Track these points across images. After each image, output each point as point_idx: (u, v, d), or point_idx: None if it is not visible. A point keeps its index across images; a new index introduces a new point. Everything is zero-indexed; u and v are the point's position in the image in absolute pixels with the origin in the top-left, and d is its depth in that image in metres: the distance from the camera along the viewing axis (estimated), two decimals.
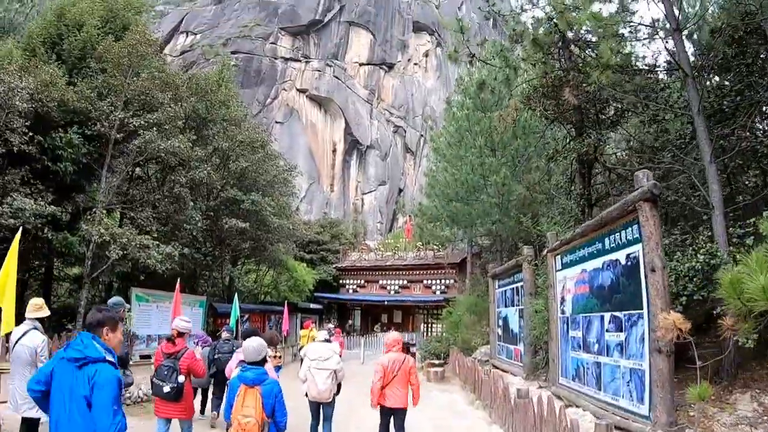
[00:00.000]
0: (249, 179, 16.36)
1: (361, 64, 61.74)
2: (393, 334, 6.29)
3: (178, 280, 12.27)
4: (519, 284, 10.71)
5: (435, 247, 26.69)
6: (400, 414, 5.85)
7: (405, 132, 63.14)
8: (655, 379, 5.09)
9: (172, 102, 14.19)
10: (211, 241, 16.10)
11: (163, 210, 13.79)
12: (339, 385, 6.31)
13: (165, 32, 49.54)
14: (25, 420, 5.03)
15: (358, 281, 29.27)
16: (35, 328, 5.26)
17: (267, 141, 18.51)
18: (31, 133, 11.53)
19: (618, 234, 6.15)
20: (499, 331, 12.51)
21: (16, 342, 5.16)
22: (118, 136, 13.64)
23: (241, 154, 16.17)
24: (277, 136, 48.13)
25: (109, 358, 2.88)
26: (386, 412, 5.86)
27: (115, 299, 6.42)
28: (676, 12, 8.38)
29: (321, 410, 6.22)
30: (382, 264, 28.58)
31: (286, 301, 18.18)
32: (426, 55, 70.04)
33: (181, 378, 5.29)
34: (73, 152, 12.93)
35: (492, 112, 16.82)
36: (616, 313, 6.12)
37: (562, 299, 7.90)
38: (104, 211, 12.93)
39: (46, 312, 5.49)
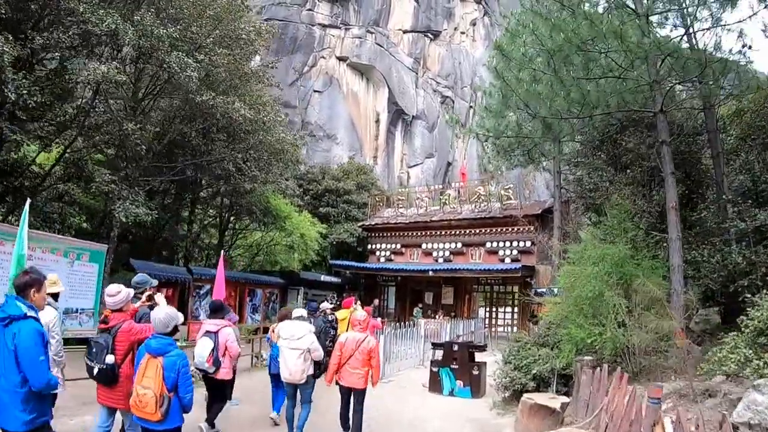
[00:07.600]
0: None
1: (404, 32, 55.42)
2: (360, 313, 5.70)
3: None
4: None
5: (509, 189, 16.53)
6: (357, 394, 5.27)
7: (453, 102, 56.34)
8: None
9: None
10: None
11: None
12: (320, 366, 5.45)
13: None
14: None
15: (393, 245, 19.26)
16: (48, 304, 4.25)
17: None
18: None
19: None
20: None
21: None
22: None
23: None
24: (316, 106, 42.72)
25: (31, 314, 2.91)
26: (344, 391, 5.32)
27: (140, 276, 5.12)
28: None
29: (298, 393, 5.42)
30: (427, 221, 18.31)
31: (222, 260, 8.15)
32: (473, 24, 62.64)
33: (110, 358, 3.85)
34: None
35: None
36: None
37: None
38: None
39: (59, 288, 4.77)
